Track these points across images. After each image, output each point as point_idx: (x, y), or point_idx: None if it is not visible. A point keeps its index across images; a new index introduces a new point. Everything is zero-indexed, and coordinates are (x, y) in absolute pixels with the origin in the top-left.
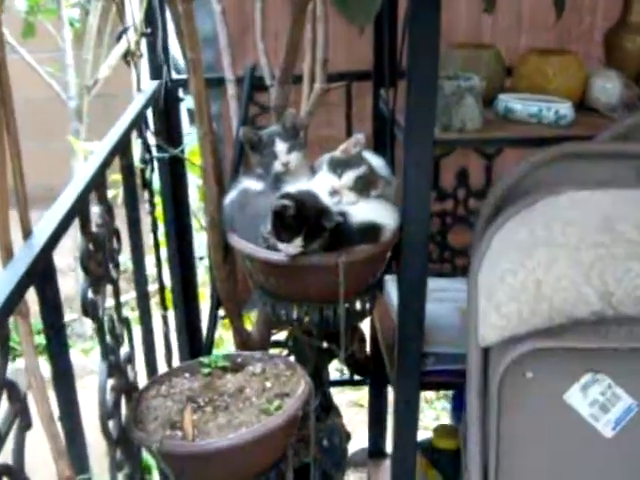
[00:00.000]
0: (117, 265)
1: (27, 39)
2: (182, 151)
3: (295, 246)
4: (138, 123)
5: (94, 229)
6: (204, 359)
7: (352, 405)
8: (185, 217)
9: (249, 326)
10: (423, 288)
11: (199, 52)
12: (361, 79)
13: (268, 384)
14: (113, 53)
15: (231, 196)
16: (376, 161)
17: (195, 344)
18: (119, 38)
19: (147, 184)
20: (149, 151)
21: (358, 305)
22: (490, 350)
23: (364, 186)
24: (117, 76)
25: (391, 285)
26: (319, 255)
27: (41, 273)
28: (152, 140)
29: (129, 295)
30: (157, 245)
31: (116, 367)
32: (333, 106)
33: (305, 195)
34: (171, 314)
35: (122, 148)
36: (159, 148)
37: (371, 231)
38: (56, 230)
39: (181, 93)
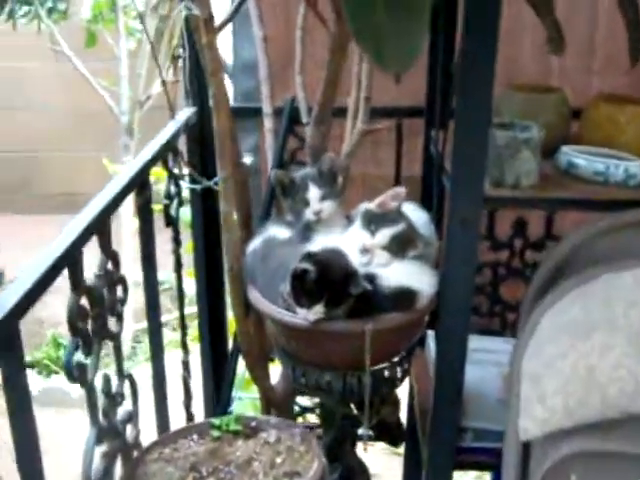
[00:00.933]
0: (120, 317)
1: (89, 48)
2: (216, 183)
3: (315, 312)
4: (164, 155)
5: (90, 282)
6: (216, 420)
7: (388, 453)
8: (216, 249)
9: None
10: (462, 359)
11: (223, 87)
12: (413, 116)
13: (279, 459)
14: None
15: (255, 244)
16: (419, 215)
17: (220, 382)
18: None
19: (172, 221)
20: (177, 184)
21: (387, 373)
22: (532, 443)
23: (400, 246)
24: (173, 87)
25: (432, 341)
26: (343, 322)
27: (2, 343)
28: (185, 170)
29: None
30: (180, 287)
31: (110, 430)
32: (383, 143)
33: (330, 255)
34: (197, 349)
35: (140, 185)
36: (192, 179)
37: (404, 297)
38: (28, 294)
39: None
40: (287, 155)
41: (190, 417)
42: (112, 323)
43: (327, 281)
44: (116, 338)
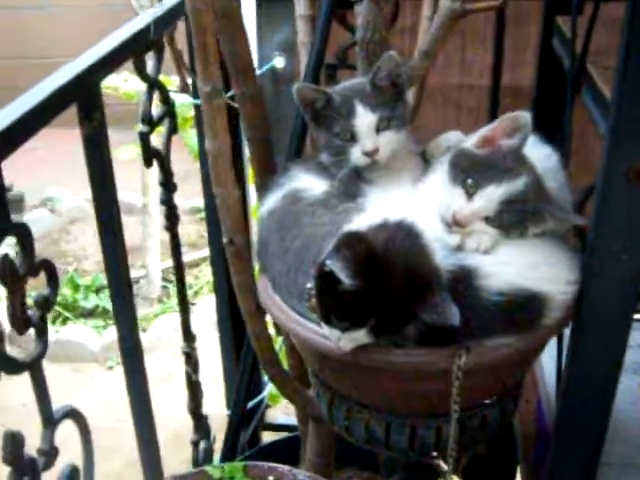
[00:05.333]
0: (42, 329)
1: None
2: (232, 98)
3: (353, 339)
4: (136, 53)
5: None
6: (215, 470)
7: None
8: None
9: None
10: (612, 388)
11: None
12: None
13: None
14: None
15: (271, 202)
16: (542, 157)
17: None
18: None
19: (157, 158)
20: (166, 99)
21: (484, 416)
22: None
23: (518, 218)
24: None
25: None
26: (410, 353)
27: None
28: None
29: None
30: (180, 266)
31: None
32: (471, 37)
33: (390, 241)
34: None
35: (83, 100)
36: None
37: (523, 307)
38: None
39: None
40: (331, 56)
41: (199, 420)
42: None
43: (379, 296)
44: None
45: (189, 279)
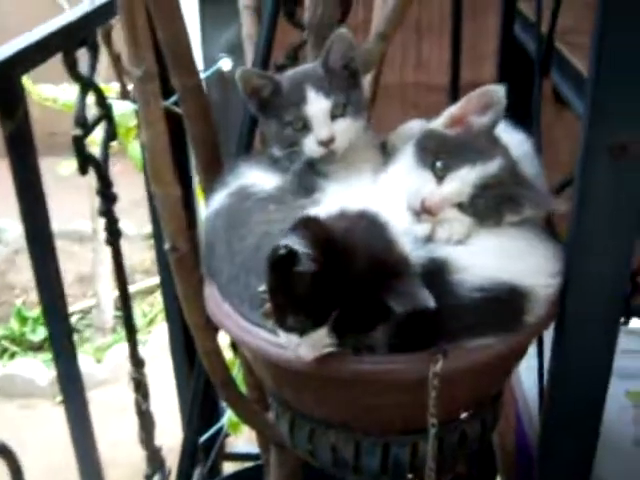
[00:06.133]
0: None
1: None
2: (177, 103)
3: (314, 344)
4: (67, 49)
5: None
6: None
7: None
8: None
9: None
10: (601, 395)
11: None
12: None
13: None
14: None
15: (217, 201)
16: (513, 141)
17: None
18: None
19: (94, 164)
20: (102, 102)
21: (462, 430)
22: None
23: (493, 204)
24: None
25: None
26: (378, 360)
27: None
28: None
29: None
30: (124, 287)
31: None
32: (428, 34)
33: (350, 226)
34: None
35: (2, 93)
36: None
37: (503, 303)
38: None
39: None
40: (280, 55)
41: (152, 451)
42: None
43: (341, 284)
44: None
45: (144, 307)
